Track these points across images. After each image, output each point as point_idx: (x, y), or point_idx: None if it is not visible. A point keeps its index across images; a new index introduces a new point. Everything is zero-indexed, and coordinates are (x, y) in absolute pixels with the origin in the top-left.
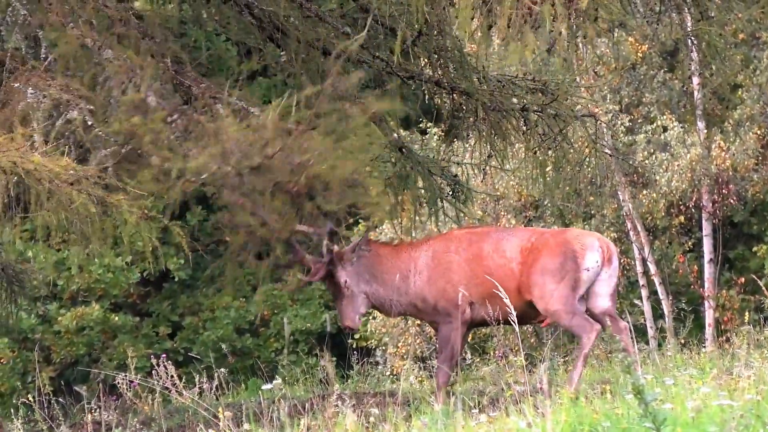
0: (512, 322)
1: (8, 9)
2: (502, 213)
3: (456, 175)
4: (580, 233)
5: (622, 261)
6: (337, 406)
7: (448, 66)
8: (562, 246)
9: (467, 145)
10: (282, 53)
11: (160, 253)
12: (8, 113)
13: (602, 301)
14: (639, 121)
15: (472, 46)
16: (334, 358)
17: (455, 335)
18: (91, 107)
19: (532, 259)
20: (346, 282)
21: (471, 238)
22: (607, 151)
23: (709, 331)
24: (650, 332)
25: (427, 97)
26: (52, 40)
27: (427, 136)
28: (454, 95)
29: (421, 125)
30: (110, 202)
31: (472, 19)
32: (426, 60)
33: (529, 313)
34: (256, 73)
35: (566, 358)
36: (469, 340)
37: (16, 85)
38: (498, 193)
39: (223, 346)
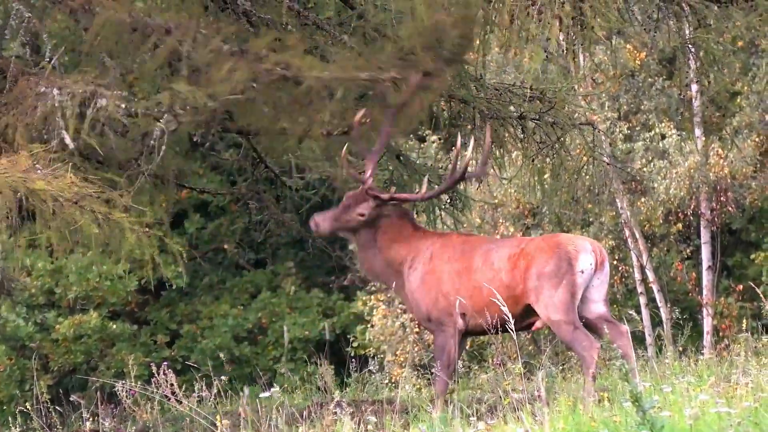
0: (510, 330)
1: (12, 13)
2: (501, 221)
3: None
4: (573, 236)
5: (620, 268)
6: (335, 413)
7: None
8: (555, 248)
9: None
10: None
11: (159, 262)
12: (22, 118)
13: (596, 306)
14: (637, 128)
15: (470, 53)
16: (333, 366)
17: (450, 344)
18: (125, 93)
19: (525, 264)
20: (361, 214)
21: (464, 248)
22: (605, 158)
23: (707, 339)
24: (648, 339)
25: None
26: (99, 24)
27: (425, 144)
28: (452, 103)
29: (419, 133)
30: (113, 219)
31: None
32: None
33: (521, 319)
34: None
35: (564, 366)
36: (467, 347)
37: (42, 89)
38: (496, 201)
39: (221, 354)
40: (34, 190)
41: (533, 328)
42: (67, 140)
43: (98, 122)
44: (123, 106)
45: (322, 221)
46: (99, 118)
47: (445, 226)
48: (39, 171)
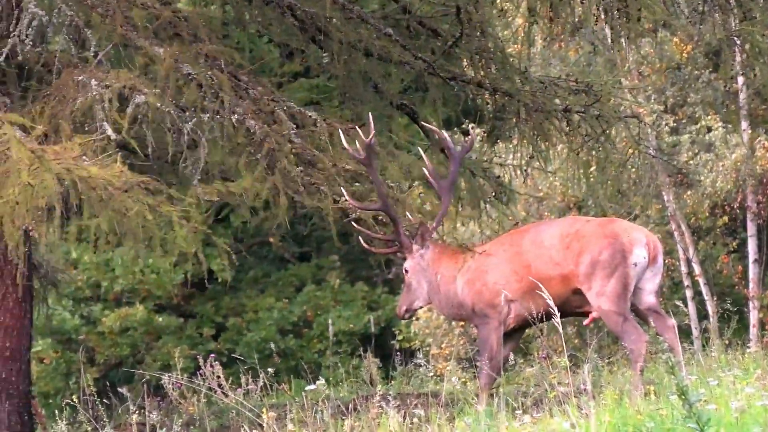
0: (554, 316)
1: (54, 11)
2: (546, 214)
3: (499, 176)
4: (629, 226)
5: (666, 262)
6: (380, 407)
7: (490, 67)
8: (611, 238)
9: (510, 146)
10: (324, 54)
11: (202, 259)
12: (66, 109)
13: (648, 297)
14: (683, 121)
15: (515, 46)
16: (378, 359)
17: (494, 336)
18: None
19: (579, 247)
20: (406, 271)
21: (513, 237)
22: (650, 151)
23: (753, 332)
24: (695, 333)
25: (469, 98)
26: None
27: (469, 137)
28: (497, 96)
29: (463, 126)
30: (161, 211)
31: (531, 25)
32: (468, 61)
33: (574, 301)
34: (298, 75)
35: (610, 359)
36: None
37: (80, 78)
38: (541, 194)
39: (272, 345)
40: (84, 177)
41: (586, 323)
42: (109, 131)
43: (137, 119)
44: (159, 105)
45: (399, 309)
46: (138, 114)
47: (490, 220)
48: (86, 161)
